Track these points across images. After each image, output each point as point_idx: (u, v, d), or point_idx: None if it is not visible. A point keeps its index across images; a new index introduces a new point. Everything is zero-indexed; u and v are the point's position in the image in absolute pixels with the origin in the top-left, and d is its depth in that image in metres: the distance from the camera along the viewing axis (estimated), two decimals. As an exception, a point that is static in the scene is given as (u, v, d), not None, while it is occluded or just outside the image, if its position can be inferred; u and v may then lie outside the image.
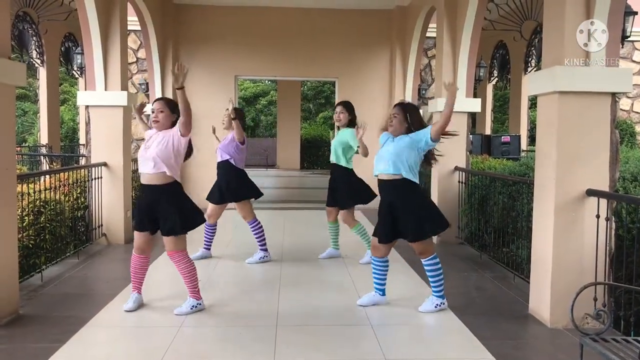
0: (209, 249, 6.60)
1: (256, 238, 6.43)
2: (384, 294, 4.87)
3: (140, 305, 4.69)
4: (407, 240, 4.63)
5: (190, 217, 4.51)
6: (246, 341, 4.04)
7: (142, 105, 5.30)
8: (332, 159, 6.25)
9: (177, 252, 4.50)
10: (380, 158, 4.63)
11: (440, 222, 4.63)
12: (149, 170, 4.35)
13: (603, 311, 3.45)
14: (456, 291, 5.32)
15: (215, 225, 6.49)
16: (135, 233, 4.58)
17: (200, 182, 9.52)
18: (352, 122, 6.16)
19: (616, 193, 4.47)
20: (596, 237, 4.27)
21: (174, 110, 4.51)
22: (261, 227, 6.42)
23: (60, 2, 9.54)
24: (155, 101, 4.59)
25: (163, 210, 4.39)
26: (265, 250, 6.49)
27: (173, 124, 4.47)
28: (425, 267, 4.68)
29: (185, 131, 4.37)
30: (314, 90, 26.09)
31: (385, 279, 4.86)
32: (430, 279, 4.72)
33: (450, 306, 4.79)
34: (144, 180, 4.44)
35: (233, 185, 6.19)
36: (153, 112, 4.50)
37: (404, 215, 4.53)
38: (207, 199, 6.36)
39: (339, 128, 6.37)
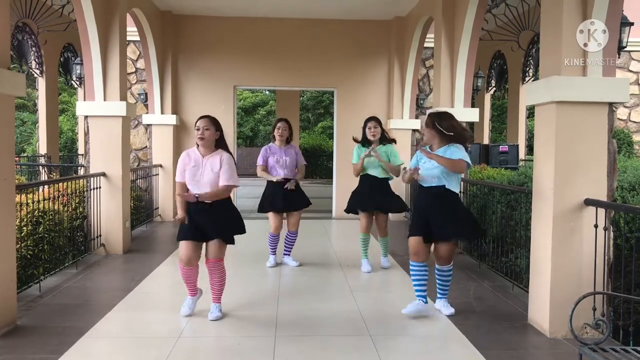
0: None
1: (287, 245, 6.86)
2: (427, 301, 4.89)
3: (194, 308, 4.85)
4: (439, 238, 4.78)
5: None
6: (245, 352, 4.03)
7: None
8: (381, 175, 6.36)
9: (220, 260, 4.68)
10: (427, 172, 4.78)
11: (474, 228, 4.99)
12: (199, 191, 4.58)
13: (602, 321, 3.44)
14: (455, 301, 5.31)
15: (278, 235, 6.77)
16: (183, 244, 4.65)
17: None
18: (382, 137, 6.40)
19: (614, 202, 4.48)
20: (594, 247, 4.27)
21: (218, 128, 4.67)
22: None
23: (60, 13, 9.58)
24: (200, 119, 4.67)
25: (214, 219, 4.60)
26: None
27: (217, 142, 4.66)
28: (443, 274, 4.91)
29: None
30: (314, 100, 26.15)
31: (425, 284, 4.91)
32: (442, 285, 4.94)
33: (449, 316, 4.80)
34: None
35: (294, 196, 6.62)
36: (198, 129, 4.59)
37: (437, 217, 4.74)
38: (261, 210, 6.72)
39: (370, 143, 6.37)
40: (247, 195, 13.05)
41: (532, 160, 5.00)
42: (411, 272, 4.88)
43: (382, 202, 6.33)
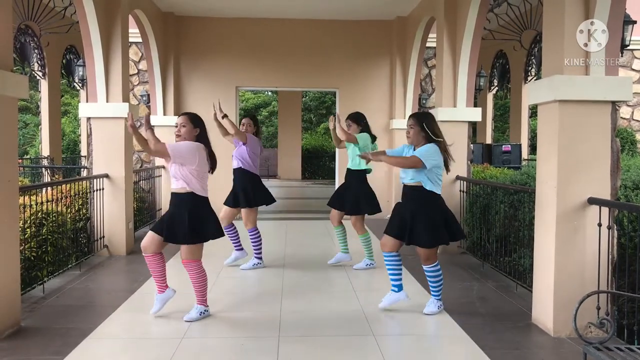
0: (241, 249, 6.74)
1: (253, 245, 6.60)
2: (400, 289, 4.93)
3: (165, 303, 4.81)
4: (417, 245, 4.74)
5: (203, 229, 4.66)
6: (249, 352, 4.03)
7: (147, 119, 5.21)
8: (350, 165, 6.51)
9: (193, 261, 4.64)
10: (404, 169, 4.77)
11: (455, 231, 4.88)
12: (173, 185, 4.61)
13: (606, 320, 3.44)
14: (459, 301, 5.31)
15: (233, 226, 6.63)
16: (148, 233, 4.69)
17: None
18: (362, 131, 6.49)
19: (618, 201, 4.47)
20: (598, 246, 4.27)
21: (197, 125, 4.65)
22: (259, 235, 6.62)
23: (62, 15, 9.60)
24: (179, 115, 4.71)
25: (180, 219, 4.54)
26: (260, 258, 6.66)
27: (196, 139, 4.62)
28: (428, 273, 4.86)
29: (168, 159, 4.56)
30: (317, 101, 26.14)
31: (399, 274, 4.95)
32: (431, 285, 4.89)
33: (453, 316, 4.80)
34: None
35: (247, 192, 6.46)
36: (176, 126, 4.64)
37: (418, 219, 4.67)
38: (224, 203, 6.59)
39: None
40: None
41: (535, 160, 4.99)
42: (384, 263, 4.96)
43: (347, 201, 6.43)
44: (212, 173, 4.77)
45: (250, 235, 6.58)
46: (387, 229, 4.85)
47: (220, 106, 6.56)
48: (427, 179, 4.66)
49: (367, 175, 6.49)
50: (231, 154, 6.65)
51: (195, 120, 4.66)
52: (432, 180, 4.67)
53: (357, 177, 6.43)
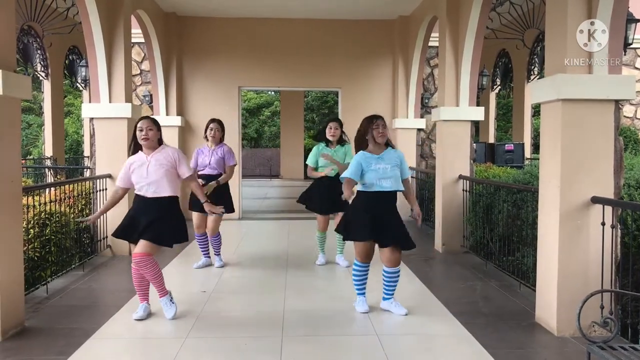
0: (209, 256, 6.77)
1: (215, 247, 6.69)
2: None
3: (149, 315, 4.75)
4: (390, 245, 4.74)
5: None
6: (252, 352, 4.03)
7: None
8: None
9: (149, 255, 4.61)
10: (381, 176, 4.69)
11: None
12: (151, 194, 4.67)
13: (610, 319, 3.43)
14: (462, 300, 5.31)
15: (205, 235, 6.63)
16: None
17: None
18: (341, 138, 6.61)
19: (621, 200, 4.46)
20: (602, 245, 4.26)
21: (159, 128, 4.79)
22: (220, 238, 6.70)
23: (65, 16, 9.61)
24: (141, 119, 4.76)
25: (156, 220, 4.61)
26: (208, 257, 6.75)
27: (159, 141, 4.77)
28: (392, 276, 4.86)
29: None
30: (319, 101, 26.12)
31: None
32: (393, 286, 4.91)
33: (456, 315, 4.80)
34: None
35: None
36: (142, 130, 4.66)
37: (390, 222, 4.72)
38: (191, 208, 6.47)
39: (331, 143, 6.62)
40: (252, 196, 13.06)
41: (538, 159, 4.98)
42: (356, 273, 4.93)
43: (337, 203, 6.35)
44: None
45: (214, 239, 6.64)
46: (366, 237, 4.73)
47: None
48: (400, 184, 4.79)
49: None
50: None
51: (158, 124, 4.79)
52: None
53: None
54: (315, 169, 6.64)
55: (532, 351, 4.13)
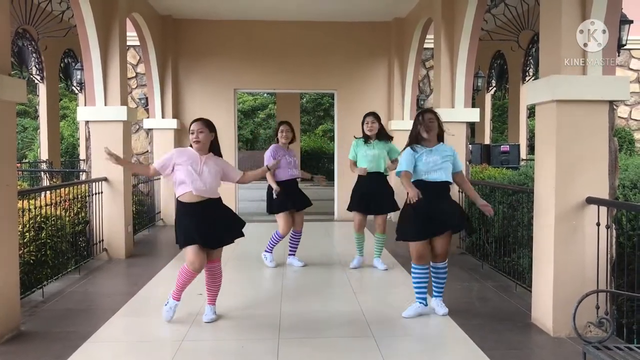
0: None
1: (292, 244, 6.99)
2: (427, 304, 4.93)
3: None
4: (448, 232, 4.77)
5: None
6: (249, 354, 4.03)
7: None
8: (374, 168, 6.38)
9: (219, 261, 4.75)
10: (432, 168, 4.70)
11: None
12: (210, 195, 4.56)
13: (605, 319, 3.44)
14: (458, 301, 5.31)
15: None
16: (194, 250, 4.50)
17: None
18: (381, 133, 6.47)
19: (616, 200, 4.48)
20: (597, 245, 4.27)
21: (212, 130, 4.66)
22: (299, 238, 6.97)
23: (60, 19, 9.60)
24: (194, 122, 4.65)
25: (220, 223, 4.61)
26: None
27: (212, 145, 4.66)
28: (441, 272, 4.87)
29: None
30: (313, 103, 26.16)
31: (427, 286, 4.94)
32: (440, 283, 4.90)
33: (453, 316, 4.80)
34: (198, 199, 4.51)
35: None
36: (193, 132, 4.57)
37: (443, 210, 4.71)
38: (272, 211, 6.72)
39: (370, 138, 6.45)
40: (248, 198, 13.03)
41: (534, 160, 5.00)
42: (414, 275, 4.85)
43: (378, 203, 6.42)
44: None
45: (297, 235, 6.90)
46: (419, 237, 4.71)
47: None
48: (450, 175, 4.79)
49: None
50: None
51: (211, 125, 4.67)
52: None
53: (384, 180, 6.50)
54: (355, 163, 6.51)
55: (527, 352, 4.14)
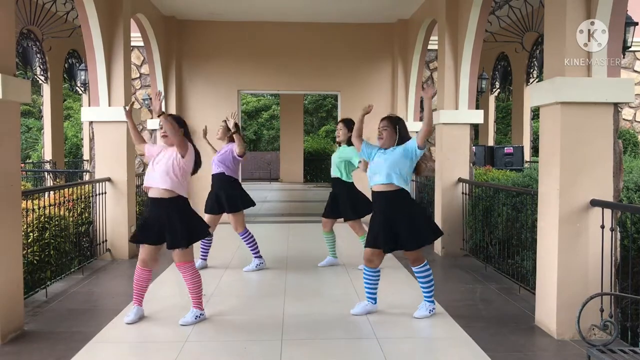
0: (205, 260, 6.80)
1: (249, 248, 6.67)
2: (376, 302, 4.99)
3: (140, 318, 4.75)
4: (404, 250, 4.72)
5: (194, 231, 4.65)
6: (252, 355, 4.03)
7: (132, 105, 5.19)
8: (334, 174, 6.55)
9: (185, 263, 4.65)
10: (375, 170, 4.74)
11: (435, 229, 4.86)
12: (158, 185, 4.53)
13: (610, 322, 3.43)
14: (462, 303, 5.30)
15: (211, 236, 6.60)
16: (141, 246, 4.65)
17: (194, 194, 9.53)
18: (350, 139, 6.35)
19: (620, 203, 4.46)
20: (601, 248, 4.26)
21: (181, 125, 4.64)
22: (252, 236, 6.66)
23: (64, 20, 9.63)
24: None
25: (170, 224, 4.52)
26: (260, 257, 6.72)
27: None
28: (418, 275, 4.84)
29: (182, 151, 4.52)
30: (315, 104, 26.18)
31: (377, 288, 4.97)
32: (422, 286, 4.87)
33: (456, 318, 4.79)
34: (152, 194, 4.59)
35: (229, 197, 6.45)
36: (161, 127, 4.60)
37: (400, 224, 4.62)
38: (205, 211, 6.54)
39: (339, 144, 6.54)
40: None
41: (538, 162, 4.98)
42: (363, 275, 4.94)
43: (335, 207, 6.59)
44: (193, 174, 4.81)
45: (244, 239, 6.62)
46: (375, 244, 4.72)
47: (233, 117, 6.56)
48: (402, 178, 4.63)
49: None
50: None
51: (179, 120, 4.67)
52: (406, 180, 4.67)
53: (343, 185, 6.52)
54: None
55: (531, 354, 4.12)
